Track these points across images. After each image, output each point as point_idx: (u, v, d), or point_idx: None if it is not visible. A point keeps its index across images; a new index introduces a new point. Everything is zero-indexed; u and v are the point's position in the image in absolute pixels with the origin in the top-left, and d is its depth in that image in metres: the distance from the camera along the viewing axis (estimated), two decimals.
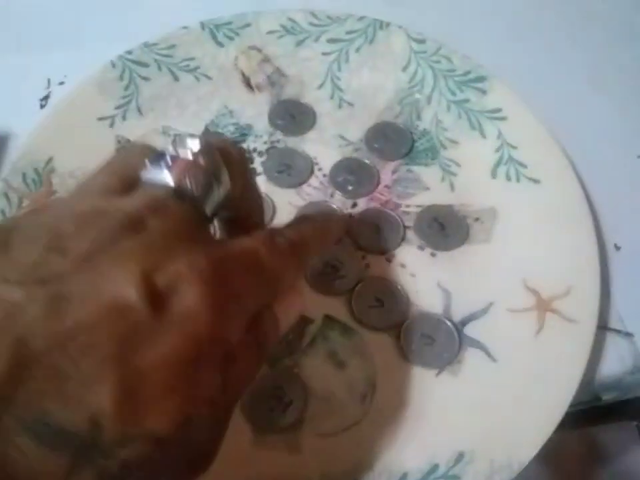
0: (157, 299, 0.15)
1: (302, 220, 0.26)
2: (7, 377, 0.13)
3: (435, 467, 0.26)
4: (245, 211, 0.23)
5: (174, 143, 0.19)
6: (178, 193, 0.18)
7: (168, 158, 0.19)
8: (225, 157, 0.20)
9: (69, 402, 0.14)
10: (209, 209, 0.19)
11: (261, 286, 0.19)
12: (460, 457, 0.26)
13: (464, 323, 0.31)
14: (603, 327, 0.31)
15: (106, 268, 0.15)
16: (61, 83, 0.41)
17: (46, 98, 0.40)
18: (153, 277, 0.15)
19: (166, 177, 0.18)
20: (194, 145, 0.19)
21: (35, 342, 0.14)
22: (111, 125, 0.37)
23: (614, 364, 0.31)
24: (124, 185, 0.19)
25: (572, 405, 0.28)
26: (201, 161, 0.19)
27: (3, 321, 0.14)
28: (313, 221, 0.25)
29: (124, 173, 0.19)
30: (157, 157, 0.19)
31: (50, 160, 0.34)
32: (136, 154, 0.20)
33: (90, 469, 0.14)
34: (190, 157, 0.19)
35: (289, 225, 0.23)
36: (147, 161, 0.19)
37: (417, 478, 0.26)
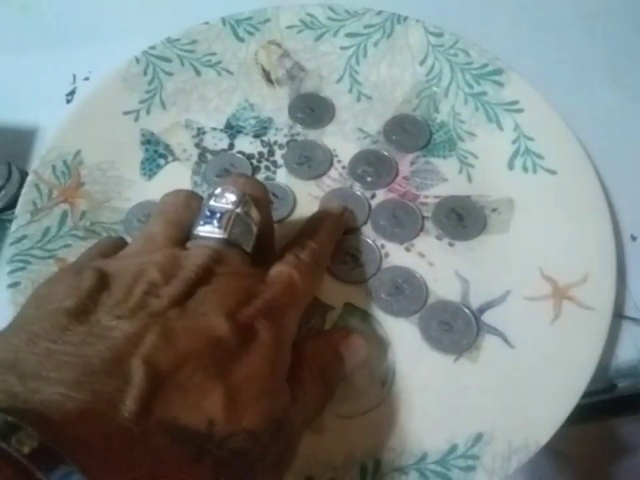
0: (240, 332, 0.20)
1: (316, 222, 0.31)
2: (146, 393, 0.17)
3: (454, 447, 0.27)
4: (267, 237, 0.28)
5: (215, 198, 0.25)
6: (229, 242, 0.24)
7: (218, 215, 0.24)
8: (253, 197, 0.26)
9: (191, 409, 0.18)
10: (250, 247, 0.25)
11: (299, 304, 0.25)
12: (479, 437, 0.27)
13: (482, 310, 0.31)
14: (618, 315, 0.32)
15: (198, 309, 0.21)
16: (86, 79, 0.42)
17: (72, 93, 0.41)
18: (235, 316, 0.21)
19: (217, 232, 0.24)
20: (231, 197, 0.25)
21: (160, 364, 0.18)
22: (136, 119, 0.38)
23: (629, 351, 0.31)
24: (182, 235, 0.25)
25: (589, 394, 0.29)
26: (240, 210, 0.25)
27: (128, 347, 0.18)
28: (324, 222, 0.30)
29: (180, 225, 0.25)
30: (206, 214, 0.25)
31: (78, 153, 0.36)
32: (183, 205, 0.26)
33: (209, 458, 0.18)
34: (230, 207, 0.25)
35: (306, 233, 0.29)
36: (199, 219, 0.25)
37: (436, 458, 0.27)
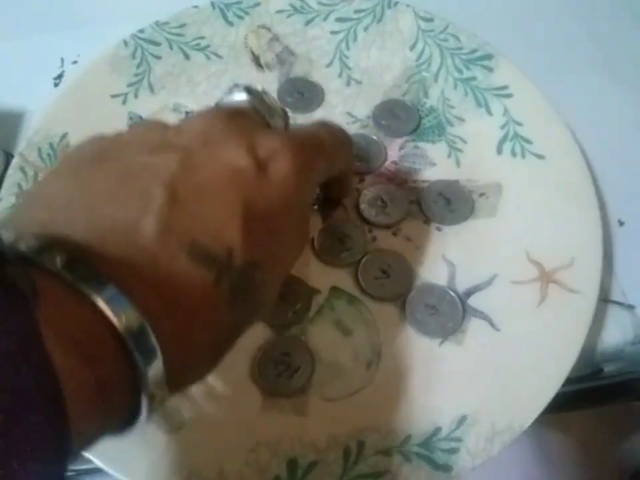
0: (260, 163, 0.21)
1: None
2: (167, 213, 0.18)
3: (438, 430, 0.27)
4: (338, 193, 0.32)
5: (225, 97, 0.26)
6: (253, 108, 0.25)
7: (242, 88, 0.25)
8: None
9: (211, 235, 0.19)
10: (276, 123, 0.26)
11: (323, 159, 0.25)
12: (462, 419, 0.27)
13: (468, 294, 0.31)
14: (605, 300, 0.32)
15: (221, 143, 0.21)
16: (74, 62, 0.41)
17: (60, 77, 0.41)
18: (255, 148, 0.21)
19: (242, 96, 0.25)
20: (240, 95, 0.25)
21: (180, 190, 0.19)
22: (124, 102, 0.37)
23: (615, 335, 0.31)
24: None
25: (576, 380, 0.29)
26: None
27: (149, 175, 0.19)
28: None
29: None
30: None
31: (64, 135, 0.35)
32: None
33: (226, 283, 0.19)
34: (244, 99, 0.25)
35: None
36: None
37: (420, 440, 0.27)
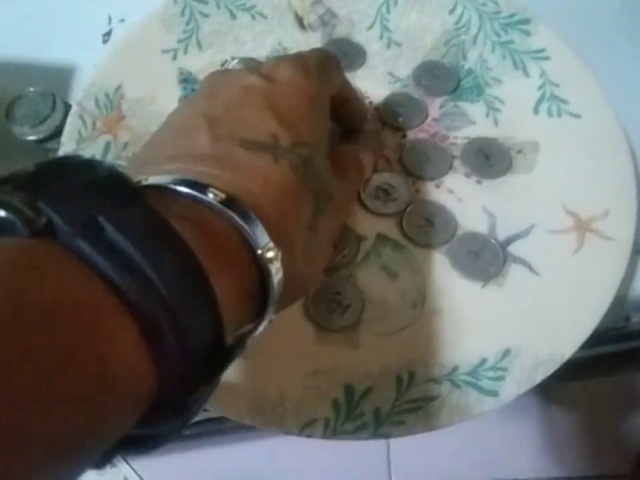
0: (266, 77, 0.26)
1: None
2: (211, 129, 0.23)
3: (484, 361, 0.29)
4: (351, 119, 0.35)
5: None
6: None
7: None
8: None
9: (253, 130, 0.23)
10: None
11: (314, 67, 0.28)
12: (507, 352, 0.29)
13: (508, 242, 0.33)
14: (637, 251, 0.34)
15: (236, 77, 0.26)
16: (122, 20, 0.43)
17: (108, 34, 0.42)
18: (260, 70, 0.26)
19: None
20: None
21: (212, 112, 0.24)
22: (174, 58, 0.39)
23: None
24: None
25: (604, 339, 0.31)
26: None
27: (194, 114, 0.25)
28: None
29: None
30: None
31: (119, 87, 0.37)
32: None
33: (284, 160, 0.23)
34: None
35: None
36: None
37: (467, 369, 0.29)
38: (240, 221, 0.20)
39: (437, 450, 0.79)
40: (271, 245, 0.20)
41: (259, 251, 0.20)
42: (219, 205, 0.19)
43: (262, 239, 0.20)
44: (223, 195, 0.20)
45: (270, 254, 0.20)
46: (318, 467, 0.79)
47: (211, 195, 0.19)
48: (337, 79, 0.30)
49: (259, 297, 0.21)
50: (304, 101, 0.26)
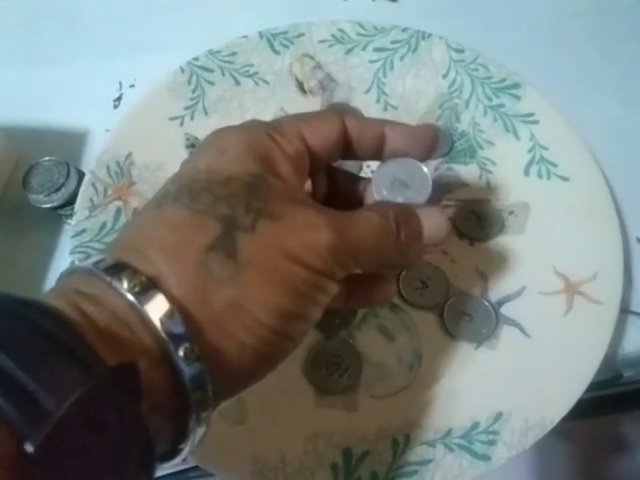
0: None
1: None
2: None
3: (477, 424, 0.30)
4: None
5: None
6: None
7: None
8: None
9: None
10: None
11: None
12: (498, 415, 0.30)
13: (500, 303, 0.34)
14: (625, 310, 0.35)
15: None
16: (132, 86, 0.45)
17: (118, 99, 0.44)
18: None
19: None
20: None
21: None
22: (181, 124, 0.41)
23: (635, 343, 0.34)
24: None
25: (597, 386, 0.32)
26: None
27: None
28: None
29: None
30: None
31: (129, 154, 0.39)
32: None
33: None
34: None
35: None
36: None
37: (460, 433, 0.30)
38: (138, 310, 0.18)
39: None
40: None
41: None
42: (128, 297, 0.18)
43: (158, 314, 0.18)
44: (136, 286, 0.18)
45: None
46: None
47: (124, 284, 0.18)
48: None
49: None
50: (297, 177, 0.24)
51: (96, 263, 0.19)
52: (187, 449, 0.19)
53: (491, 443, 0.29)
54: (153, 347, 0.18)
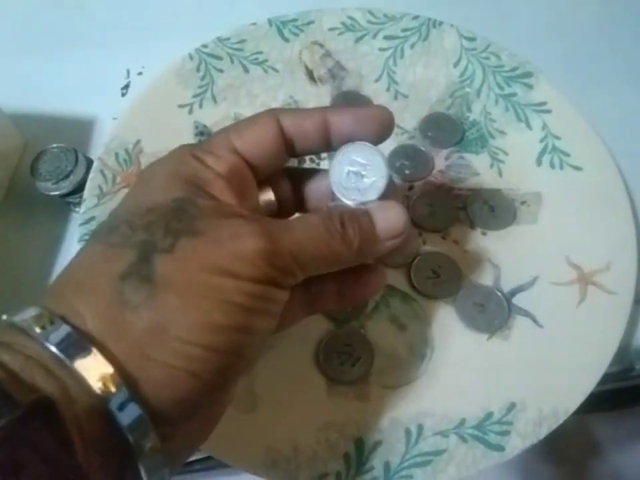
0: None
1: None
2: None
3: (490, 414, 0.30)
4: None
5: None
6: None
7: None
8: None
9: None
10: None
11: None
12: (512, 406, 0.30)
13: (512, 293, 0.34)
14: (639, 301, 0.35)
15: None
16: (139, 74, 0.45)
17: (126, 87, 0.44)
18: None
19: None
20: None
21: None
22: (190, 112, 0.40)
23: None
24: None
25: (608, 378, 0.32)
26: None
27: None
28: None
29: None
30: None
31: (138, 142, 0.38)
32: None
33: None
34: None
35: None
36: None
37: (474, 423, 0.30)
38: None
39: None
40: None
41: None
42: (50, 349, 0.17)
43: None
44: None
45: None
46: None
47: (35, 328, 0.18)
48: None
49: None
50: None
51: (14, 314, 0.18)
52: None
53: (505, 433, 0.29)
54: (73, 387, 0.17)
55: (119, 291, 0.19)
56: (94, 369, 0.17)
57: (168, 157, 0.24)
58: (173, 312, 0.19)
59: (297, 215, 0.27)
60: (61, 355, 0.17)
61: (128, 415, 0.17)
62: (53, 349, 0.17)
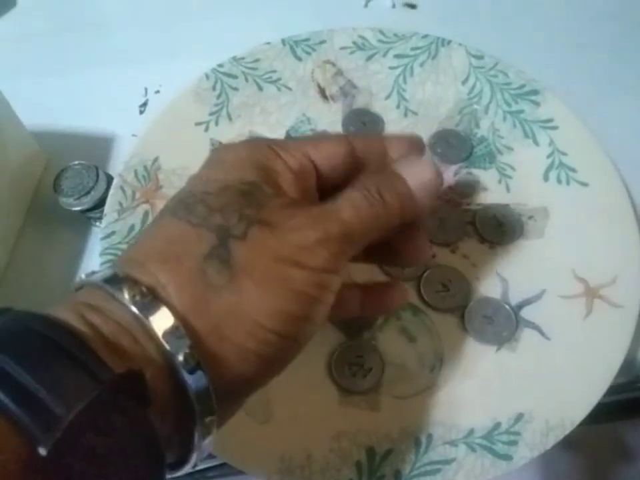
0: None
1: None
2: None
3: (498, 425, 0.31)
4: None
5: None
6: None
7: None
8: None
9: None
10: None
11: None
12: (519, 416, 0.31)
13: (520, 306, 0.35)
14: None
15: None
16: (157, 92, 0.46)
17: (144, 105, 0.46)
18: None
19: None
20: None
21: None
22: (206, 130, 0.42)
23: None
24: None
25: (614, 390, 0.32)
26: None
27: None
28: None
29: None
30: None
31: (156, 159, 0.40)
32: None
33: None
34: None
35: None
36: None
37: (482, 433, 0.30)
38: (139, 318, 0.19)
39: None
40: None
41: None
42: (129, 306, 0.19)
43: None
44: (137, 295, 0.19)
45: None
46: None
47: (125, 294, 0.19)
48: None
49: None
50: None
51: (100, 276, 0.20)
52: (194, 458, 0.20)
53: (512, 443, 0.30)
54: (156, 356, 0.19)
55: (202, 271, 0.20)
56: (179, 346, 0.19)
57: (244, 143, 0.26)
58: (252, 298, 0.20)
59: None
60: (152, 328, 0.19)
61: (196, 384, 0.19)
62: (145, 321, 0.19)
